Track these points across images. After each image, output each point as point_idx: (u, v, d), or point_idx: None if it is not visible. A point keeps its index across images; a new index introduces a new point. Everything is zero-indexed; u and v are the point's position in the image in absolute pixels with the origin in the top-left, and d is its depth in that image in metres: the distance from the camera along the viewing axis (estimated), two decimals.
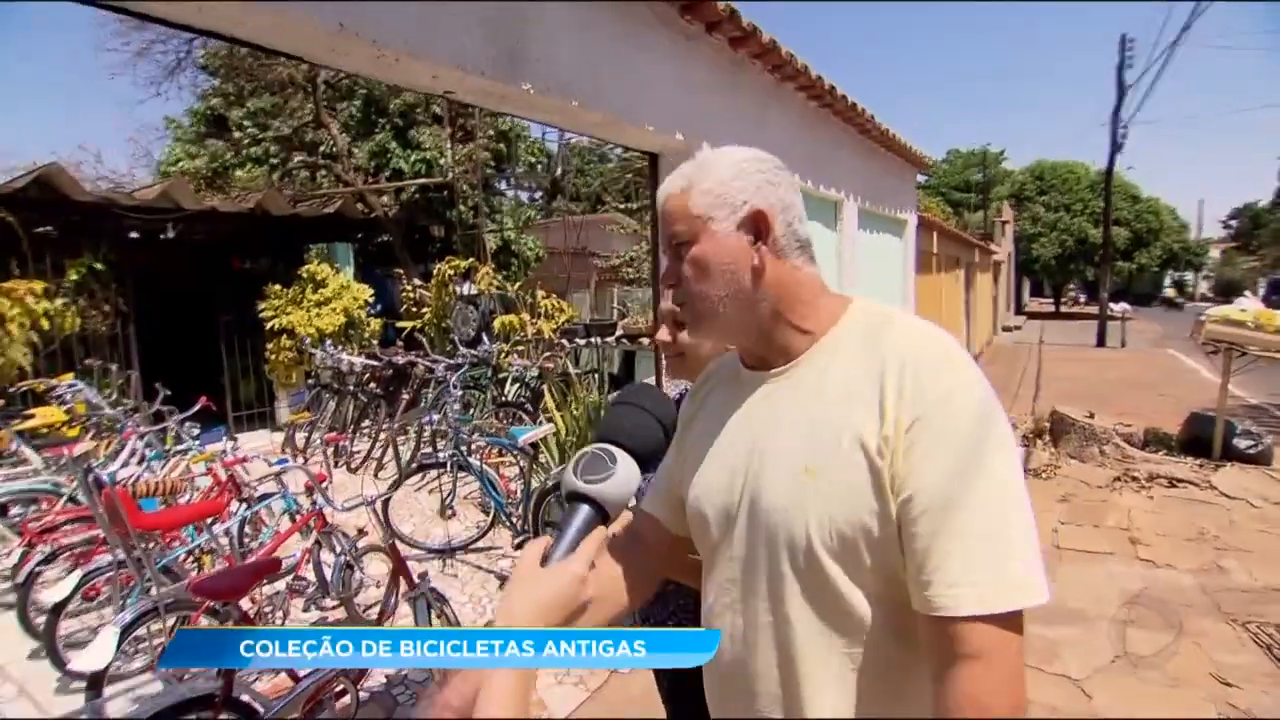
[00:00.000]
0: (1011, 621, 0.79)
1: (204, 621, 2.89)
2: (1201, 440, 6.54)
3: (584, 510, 0.86)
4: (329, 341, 7.82)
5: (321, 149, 12.49)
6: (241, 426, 8.24)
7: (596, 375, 6.57)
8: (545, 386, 6.42)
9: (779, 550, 0.93)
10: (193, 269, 8.69)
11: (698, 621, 1.10)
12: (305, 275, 8.56)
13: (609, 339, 7.73)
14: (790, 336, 1.00)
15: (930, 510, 0.82)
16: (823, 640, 0.92)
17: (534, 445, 4.48)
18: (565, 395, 4.98)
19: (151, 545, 3.32)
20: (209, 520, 3.66)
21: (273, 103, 12.76)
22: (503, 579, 4.38)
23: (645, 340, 7.58)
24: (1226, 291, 43.14)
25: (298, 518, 3.86)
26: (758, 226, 0.97)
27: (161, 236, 7.59)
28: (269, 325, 8.26)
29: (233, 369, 8.30)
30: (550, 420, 4.85)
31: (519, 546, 4.47)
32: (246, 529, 4.05)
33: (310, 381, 7.63)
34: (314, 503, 3.43)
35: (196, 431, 4.51)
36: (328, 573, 3.53)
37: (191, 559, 3.88)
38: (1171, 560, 4.39)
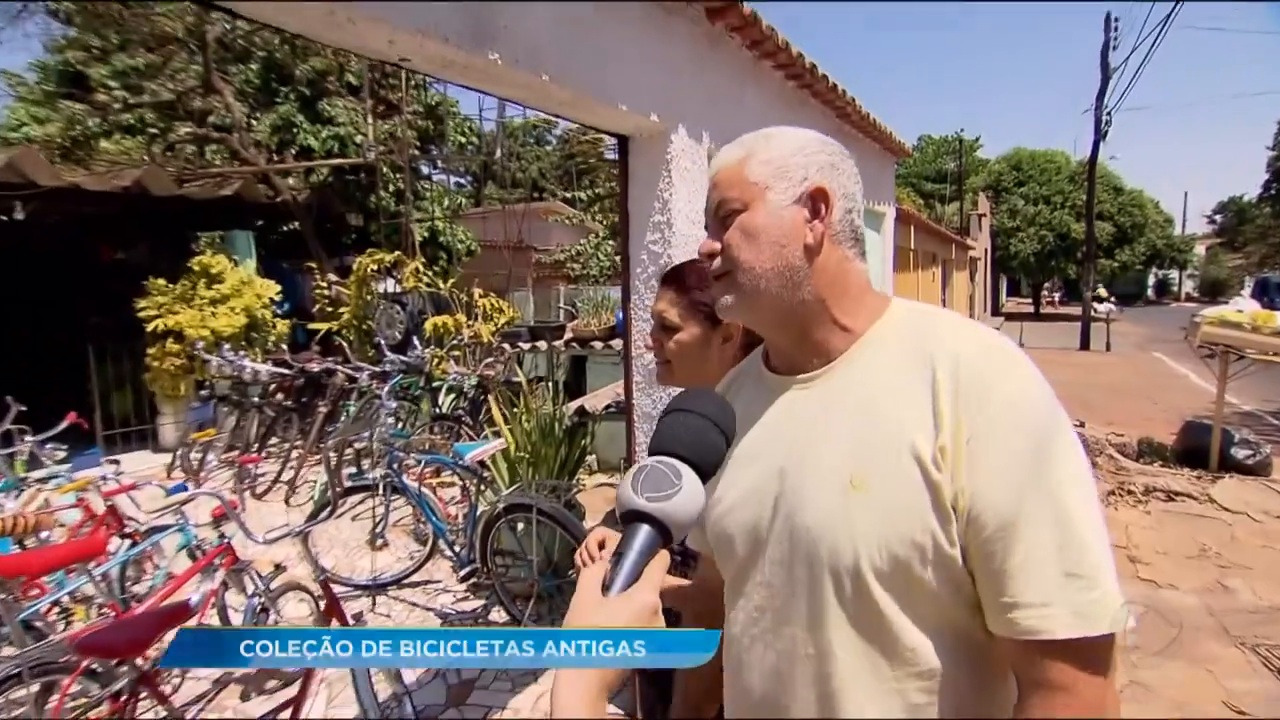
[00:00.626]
0: (1104, 647, 0.83)
1: (77, 687, 2.73)
2: (1198, 450, 6.87)
3: (645, 532, 0.84)
4: (227, 346, 7.55)
5: (212, 119, 12.10)
6: (115, 447, 7.84)
7: (547, 384, 6.54)
8: (488, 396, 6.35)
9: (820, 573, 0.94)
10: (51, 259, 8.29)
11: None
12: (196, 268, 8.27)
13: (557, 343, 7.70)
14: (830, 333, 1.02)
15: (1007, 528, 0.84)
16: (871, 673, 0.93)
17: (480, 464, 4.43)
18: (514, 406, 4.94)
19: (5, 596, 3.03)
20: (85, 562, 3.32)
21: (148, 61, 12.25)
22: (445, 617, 4.32)
23: (598, 344, 7.58)
24: (1212, 291, 45.56)
25: (199, 554, 3.70)
26: (816, 204, 1.00)
27: (7, 218, 7.20)
28: (150, 327, 7.88)
29: (104, 379, 7.90)
30: (498, 435, 4.80)
31: (465, 579, 4.41)
32: (129, 571, 3.88)
33: (204, 393, 7.37)
34: (221, 536, 3.31)
35: (63, 454, 4.30)
36: (236, 619, 3.41)
37: (58, 610, 3.65)
38: (1174, 580, 4.59)
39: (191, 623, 3.08)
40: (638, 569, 0.83)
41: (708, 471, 0.89)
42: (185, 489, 3.54)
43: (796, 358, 1.05)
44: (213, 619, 3.53)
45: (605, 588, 0.81)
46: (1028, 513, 0.83)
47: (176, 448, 7.04)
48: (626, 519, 0.86)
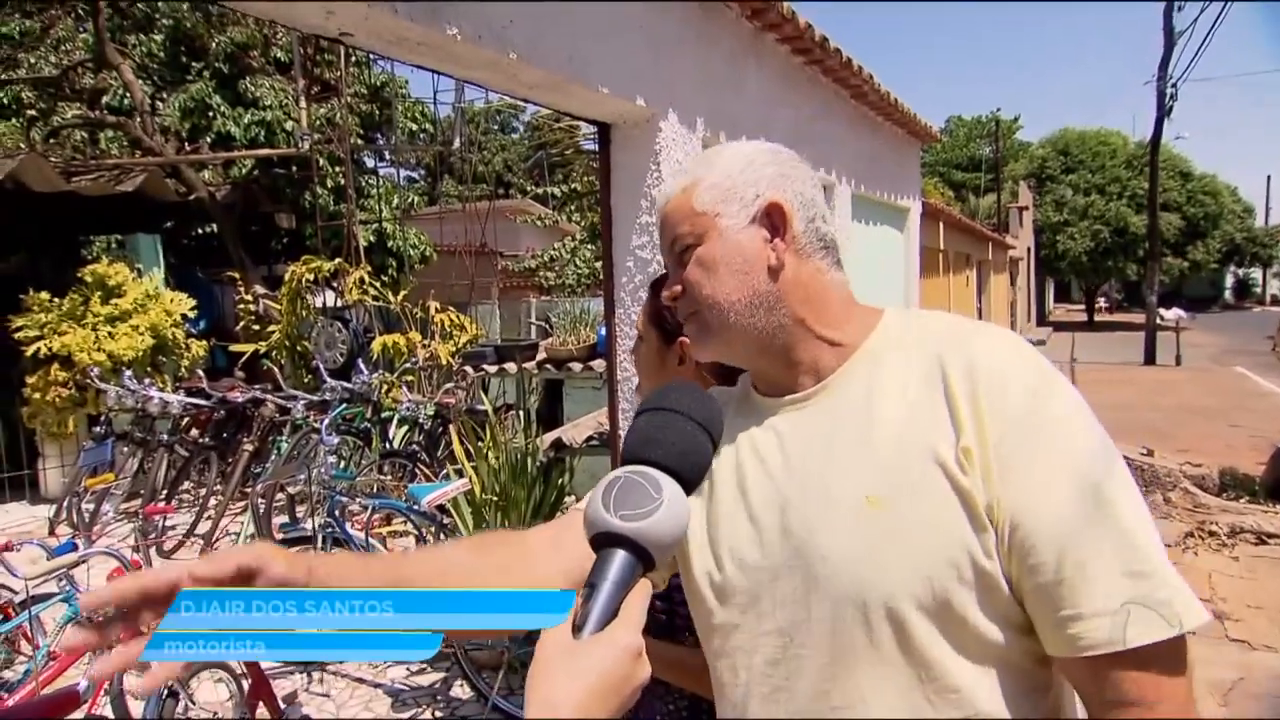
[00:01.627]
0: (1178, 654, 0.87)
1: None
2: None
3: (621, 559, 0.82)
4: (128, 373, 7.49)
5: (107, 100, 12.05)
6: None
7: (518, 413, 6.53)
8: (448, 429, 6.34)
9: (845, 609, 0.95)
10: None
11: None
12: (89, 279, 8.18)
13: (528, 365, 7.70)
14: (818, 350, 1.06)
15: (1055, 535, 0.87)
16: None
17: (440, 508, 4.42)
18: (479, 439, 4.93)
19: None
20: None
21: (23, 28, 12.19)
22: (395, 694, 4.29)
23: (576, 365, 7.58)
24: None
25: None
26: (773, 220, 1.06)
27: None
28: (30, 351, 7.72)
29: None
30: (461, 474, 4.79)
31: None
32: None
33: (98, 430, 7.28)
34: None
35: None
36: (136, 707, 3.34)
37: None
38: (1271, 640, 4.58)
39: (78, 715, 3.04)
40: (614, 603, 0.80)
41: (693, 483, 0.88)
42: (74, 547, 3.47)
43: (784, 380, 1.08)
44: (106, 709, 3.45)
45: (576, 629, 0.79)
46: (1076, 515, 0.88)
47: (63, 497, 6.95)
48: (598, 543, 0.84)
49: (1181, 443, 9.46)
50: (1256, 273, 53.73)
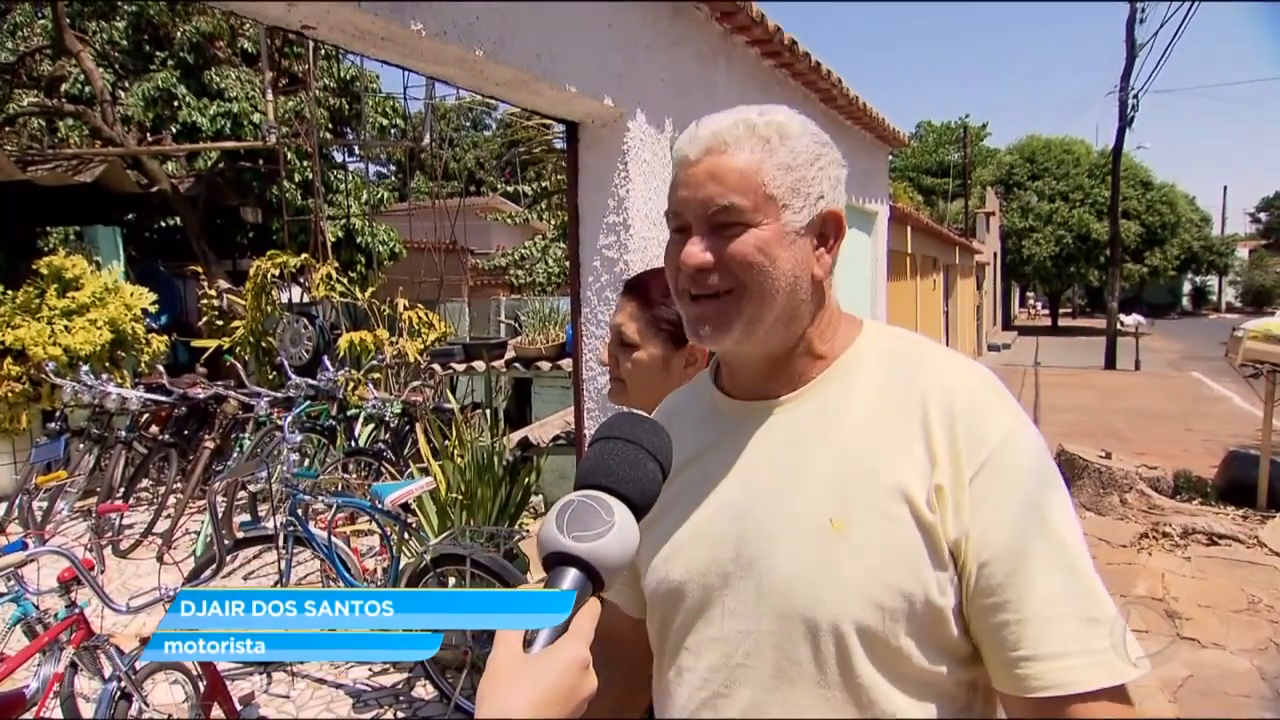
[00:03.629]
0: (1125, 694, 0.89)
1: None
2: (1243, 485, 7.05)
3: (572, 577, 0.86)
4: (85, 368, 7.36)
5: (66, 88, 11.85)
6: None
7: (485, 411, 6.49)
8: (414, 427, 6.29)
9: (793, 627, 0.96)
10: None
11: None
12: (45, 271, 8.04)
13: (497, 363, 7.67)
14: (805, 361, 1.06)
15: (1017, 575, 0.89)
16: None
17: (404, 507, 4.39)
18: (445, 438, 4.90)
19: None
20: None
21: None
22: (357, 696, 4.25)
23: (545, 365, 7.56)
24: (1257, 300, 46.98)
25: (41, 629, 3.55)
26: (827, 230, 1.04)
27: None
28: None
29: None
30: (426, 473, 4.76)
31: None
32: None
33: (53, 426, 7.14)
34: (71, 604, 3.20)
35: None
36: (88, 710, 3.28)
37: None
38: (1219, 638, 4.68)
39: (27, 717, 2.99)
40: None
41: (643, 507, 0.91)
42: (24, 546, 3.40)
43: (763, 385, 1.07)
44: (55, 711, 3.39)
45: (528, 643, 0.82)
46: (1038, 559, 0.89)
47: (15, 495, 6.79)
48: (550, 563, 0.87)
49: (1139, 445, 9.62)
50: (1213, 280, 54.77)
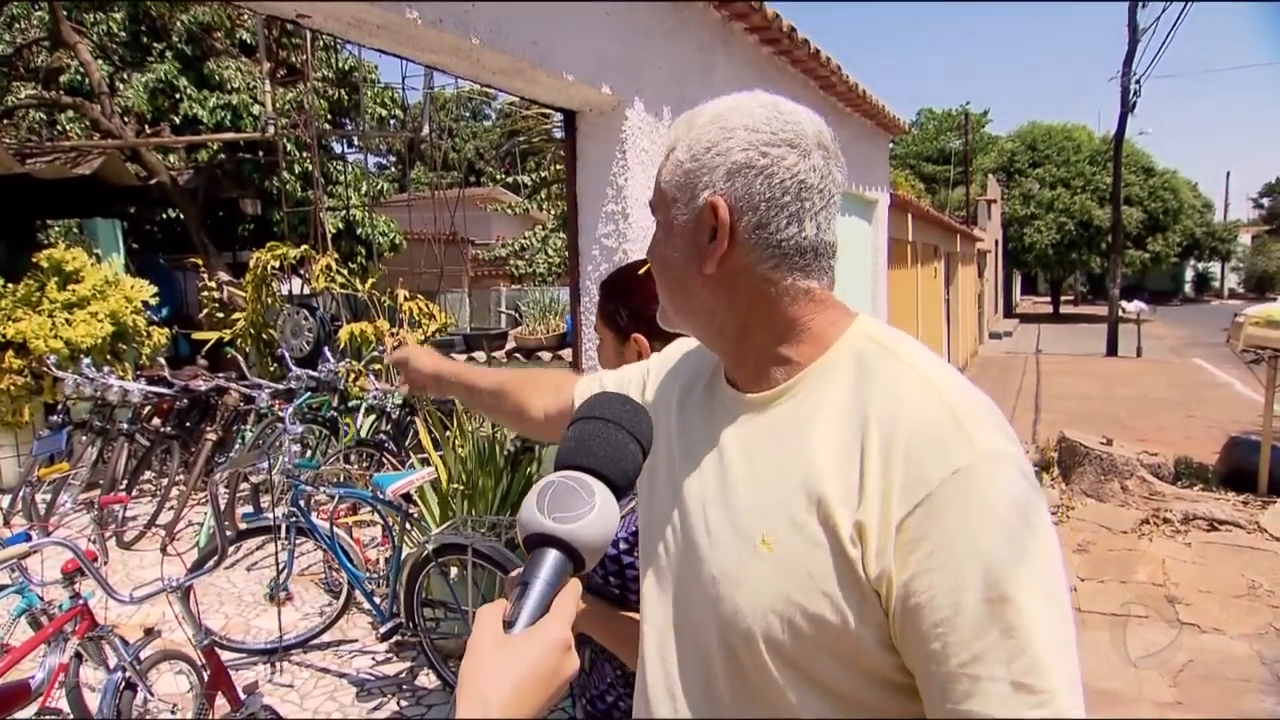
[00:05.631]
0: None
1: None
2: (1244, 471, 7.07)
3: (553, 558, 0.86)
4: (87, 361, 7.36)
5: (65, 79, 11.82)
6: None
7: None
8: (415, 418, 6.29)
9: (720, 628, 0.98)
10: None
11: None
12: (45, 265, 8.04)
13: (498, 353, 7.68)
14: (771, 362, 1.01)
15: (946, 628, 0.83)
16: None
17: (406, 497, 4.40)
18: (446, 429, 4.90)
19: None
20: None
21: None
22: (360, 685, 4.27)
23: (546, 354, 7.56)
24: (1260, 286, 46.89)
25: (45, 620, 3.56)
26: (712, 224, 0.98)
27: None
28: None
29: None
30: (427, 463, 4.76)
31: (387, 637, 4.36)
32: None
33: (56, 418, 7.15)
34: (75, 596, 3.21)
35: None
36: (93, 700, 3.29)
37: None
38: (1220, 623, 4.70)
39: (33, 708, 3.00)
40: (545, 601, 0.84)
41: (624, 488, 0.92)
42: (28, 538, 3.41)
43: (739, 378, 1.06)
44: (60, 701, 3.41)
45: (508, 625, 0.82)
46: (972, 615, 0.82)
47: (18, 487, 6.80)
48: (531, 544, 0.88)
49: (1140, 432, 9.63)
50: (1215, 267, 54.63)
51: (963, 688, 0.82)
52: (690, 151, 0.99)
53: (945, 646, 0.82)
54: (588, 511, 0.87)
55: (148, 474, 7.23)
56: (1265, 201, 61.53)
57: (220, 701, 3.18)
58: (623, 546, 1.52)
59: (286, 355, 7.63)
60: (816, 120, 1.01)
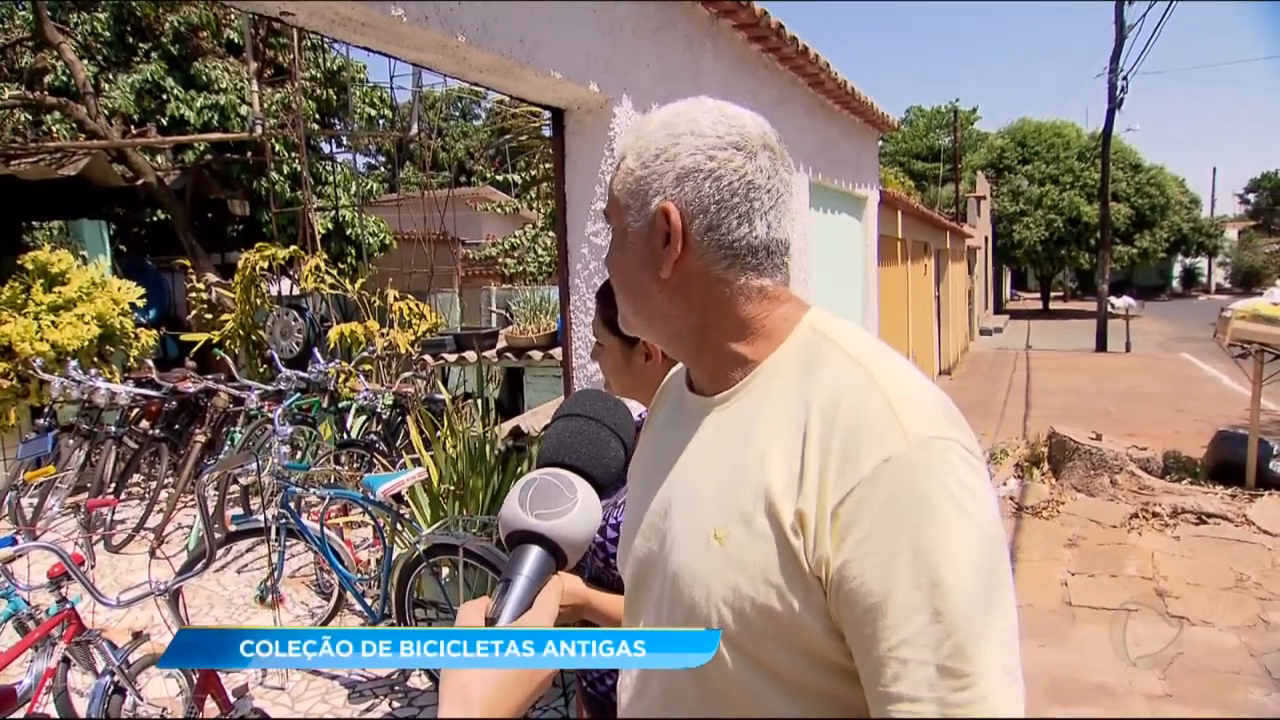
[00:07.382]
0: None
1: None
2: (1232, 465, 7.11)
3: (536, 555, 0.86)
4: (74, 363, 7.33)
5: (50, 80, 11.74)
6: None
7: (477, 401, 6.48)
8: (406, 418, 6.28)
9: (684, 622, 0.98)
10: None
11: None
12: (31, 266, 7.99)
13: (488, 353, 7.66)
14: (723, 361, 1.03)
15: (876, 613, 0.83)
16: None
17: (396, 498, 4.38)
18: (436, 429, 4.89)
19: None
20: None
21: None
22: (352, 687, 4.25)
23: (536, 354, 7.55)
24: (1246, 281, 47.11)
25: (33, 625, 3.53)
26: (664, 228, 1.00)
27: None
28: None
29: None
30: (418, 463, 4.75)
31: None
32: None
33: (42, 421, 7.11)
34: (62, 600, 3.19)
35: None
36: (81, 704, 3.27)
37: None
38: (1208, 615, 4.72)
39: (20, 714, 2.98)
40: (529, 596, 0.85)
41: (605, 484, 0.92)
42: (14, 542, 3.38)
43: (701, 380, 1.09)
44: (48, 707, 3.38)
45: (491, 621, 0.83)
46: (901, 598, 0.82)
47: (4, 491, 6.71)
48: (513, 541, 0.88)
49: (1129, 427, 9.67)
50: (1202, 262, 54.88)
51: (891, 670, 0.83)
52: (640, 159, 1.02)
53: (876, 631, 0.83)
54: (570, 508, 0.88)
55: (136, 477, 7.20)
56: (1251, 197, 61.82)
57: (210, 705, 3.16)
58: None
59: (276, 356, 7.61)
60: (762, 123, 1.03)
